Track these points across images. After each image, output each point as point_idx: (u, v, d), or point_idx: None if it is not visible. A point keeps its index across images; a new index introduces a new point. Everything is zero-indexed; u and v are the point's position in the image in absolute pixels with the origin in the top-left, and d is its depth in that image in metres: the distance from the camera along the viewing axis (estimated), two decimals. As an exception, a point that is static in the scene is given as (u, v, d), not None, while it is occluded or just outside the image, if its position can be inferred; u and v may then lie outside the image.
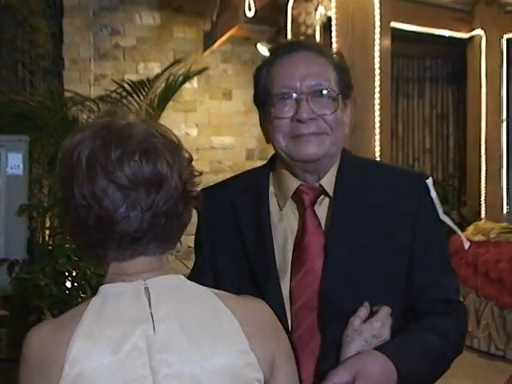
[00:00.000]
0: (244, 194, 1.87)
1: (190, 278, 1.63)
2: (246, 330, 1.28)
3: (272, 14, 6.73)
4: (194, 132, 7.59)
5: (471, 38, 7.46)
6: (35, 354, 1.25)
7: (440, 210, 1.82)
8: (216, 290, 1.35)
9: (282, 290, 1.74)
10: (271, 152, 1.89)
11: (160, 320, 1.25)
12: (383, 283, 1.73)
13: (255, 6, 6.00)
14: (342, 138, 1.81)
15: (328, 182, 1.80)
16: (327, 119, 1.75)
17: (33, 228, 4.76)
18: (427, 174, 1.89)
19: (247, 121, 7.71)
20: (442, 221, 1.83)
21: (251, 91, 1.87)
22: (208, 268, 1.86)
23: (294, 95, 1.74)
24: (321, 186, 1.80)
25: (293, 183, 1.81)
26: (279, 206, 1.84)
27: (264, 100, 1.79)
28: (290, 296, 1.74)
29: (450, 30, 7.24)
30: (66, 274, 4.46)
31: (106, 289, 1.30)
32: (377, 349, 1.60)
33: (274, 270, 1.76)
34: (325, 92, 1.75)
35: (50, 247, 4.90)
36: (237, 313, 1.29)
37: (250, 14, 6.08)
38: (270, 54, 1.83)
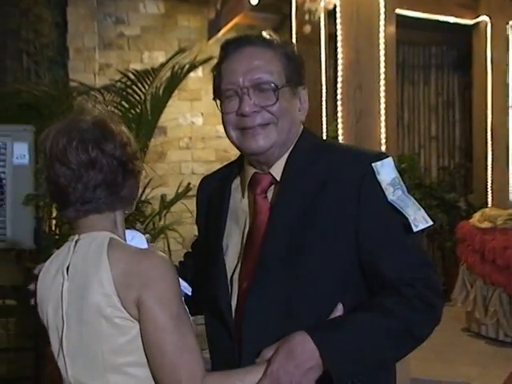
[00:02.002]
0: (219, 184, 2.04)
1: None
2: (115, 278, 1.64)
3: (276, 2, 6.73)
4: (199, 121, 7.57)
5: (476, 24, 7.44)
6: None
7: (390, 192, 1.79)
8: (118, 243, 1.72)
9: (235, 276, 1.87)
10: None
11: (72, 265, 1.72)
12: (321, 267, 1.76)
13: (259, -7, 5.98)
14: (290, 125, 1.89)
15: (277, 169, 1.90)
16: (271, 110, 1.84)
17: (39, 217, 4.75)
18: (386, 154, 1.86)
19: (252, 109, 7.63)
20: (391, 204, 1.79)
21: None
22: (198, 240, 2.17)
23: (238, 90, 1.84)
24: (270, 173, 1.90)
25: (249, 172, 1.94)
26: (242, 194, 1.96)
27: (217, 96, 1.92)
28: (239, 279, 1.86)
29: (454, 16, 7.22)
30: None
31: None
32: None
33: (221, 258, 1.91)
34: (265, 85, 1.84)
35: (56, 237, 4.91)
36: (114, 264, 1.65)
37: (254, 2, 6.07)
38: (221, 52, 1.93)
